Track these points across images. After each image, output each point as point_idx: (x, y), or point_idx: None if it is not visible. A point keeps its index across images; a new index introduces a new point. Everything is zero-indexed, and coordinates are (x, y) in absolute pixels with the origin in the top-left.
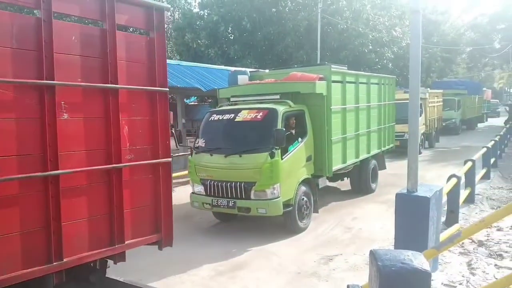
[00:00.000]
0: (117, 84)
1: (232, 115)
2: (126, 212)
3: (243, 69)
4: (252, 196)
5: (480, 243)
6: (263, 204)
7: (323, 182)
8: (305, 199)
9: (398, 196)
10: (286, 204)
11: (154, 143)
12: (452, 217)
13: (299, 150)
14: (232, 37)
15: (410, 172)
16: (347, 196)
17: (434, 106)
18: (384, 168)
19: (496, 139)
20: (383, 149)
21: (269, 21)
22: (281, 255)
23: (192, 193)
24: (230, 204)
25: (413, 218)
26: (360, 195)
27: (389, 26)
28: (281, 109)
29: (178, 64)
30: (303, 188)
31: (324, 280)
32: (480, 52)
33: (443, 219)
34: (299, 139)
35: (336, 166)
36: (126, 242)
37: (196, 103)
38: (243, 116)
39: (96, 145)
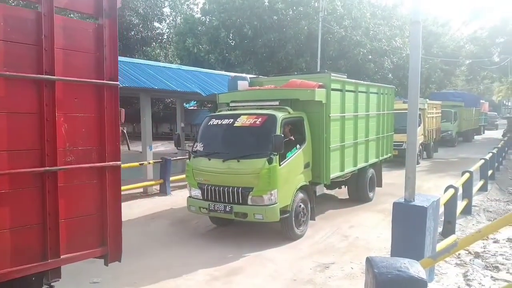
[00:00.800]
0: (54, 75)
1: (231, 120)
2: (62, 222)
3: (243, 75)
4: (249, 202)
5: (477, 255)
6: (260, 210)
7: (320, 190)
8: (302, 206)
9: (396, 205)
10: (283, 211)
11: (100, 144)
12: (449, 228)
13: (297, 157)
14: (233, 43)
15: (408, 182)
16: (344, 204)
17: (432, 117)
18: (380, 185)
19: (494, 151)
20: (381, 158)
21: (270, 28)
22: (277, 261)
23: (189, 197)
24: (227, 209)
25: (410, 227)
26: (357, 204)
27: (389, 36)
28: (280, 115)
29: (179, 68)
30: (300, 195)
31: None
32: (479, 65)
33: (439, 229)
34: (298, 146)
35: (334, 174)
36: (61, 257)
37: (195, 107)
38: (242, 121)
39: (25, 144)
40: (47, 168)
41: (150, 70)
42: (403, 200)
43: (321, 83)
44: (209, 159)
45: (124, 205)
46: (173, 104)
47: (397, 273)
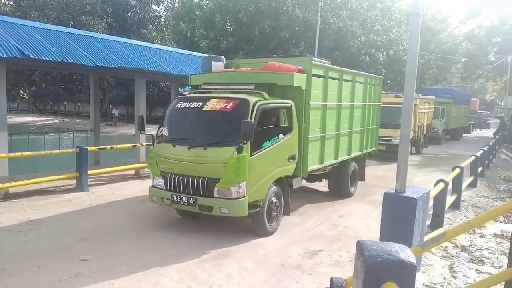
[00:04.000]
0: None
1: (200, 103)
2: None
3: (219, 56)
4: (215, 194)
5: (463, 248)
6: (226, 203)
7: (297, 183)
8: (275, 200)
9: (386, 196)
10: (253, 205)
11: None
12: (437, 221)
13: (278, 148)
14: (230, 29)
15: (399, 173)
16: (334, 196)
17: (424, 112)
18: (363, 179)
19: (485, 148)
20: (364, 152)
21: (265, 15)
22: (266, 247)
23: (152, 186)
24: (191, 201)
25: (399, 218)
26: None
27: (386, 28)
28: (253, 100)
29: (175, 52)
30: (273, 187)
31: (308, 274)
32: (475, 63)
33: (428, 222)
34: (280, 136)
35: (312, 166)
36: None
37: (190, 92)
38: (212, 105)
39: None
40: None
41: (146, 52)
42: (394, 191)
43: (301, 67)
44: (174, 146)
45: (116, 186)
46: (168, 88)
47: (387, 257)
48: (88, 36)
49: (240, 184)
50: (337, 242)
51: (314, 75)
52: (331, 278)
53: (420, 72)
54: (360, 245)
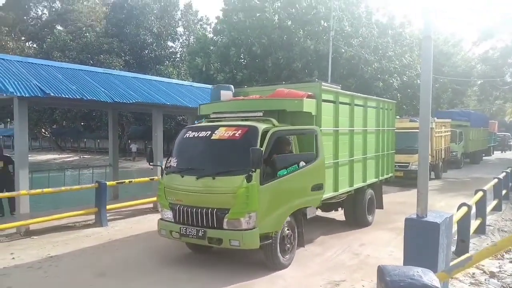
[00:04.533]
0: None
1: (209, 132)
2: None
3: (228, 85)
4: (224, 225)
5: (492, 274)
6: (236, 235)
7: (311, 212)
8: (288, 231)
9: (408, 221)
10: (265, 237)
11: None
12: (462, 247)
13: (297, 176)
14: (244, 62)
15: (420, 197)
16: (352, 226)
17: (441, 136)
18: (381, 207)
19: (508, 170)
20: (381, 178)
21: (279, 47)
22: (286, 278)
23: (160, 219)
24: (199, 234)
25: (422, 243)
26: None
27: (399, 53)
28: (262, 127)
29: (191, 85)
30: (287, 218)
31: None
32: (491, 84)
33: (453, 248)
34: (301, 164)
35: (326, 194)
36: None
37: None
38: (220, 133)
39: None
40: None
41: (162, 86)
42: (415, 216)
43: (310, 93)
44: (182, 176)
45: (135, 220)
46: (185, 121)
47: (410, 281)
48: (106, 73)
49: (251, 215)
50: (359, 272)
51: (324, 100)
52: None
53: (435, 96)
54: (381, 270)
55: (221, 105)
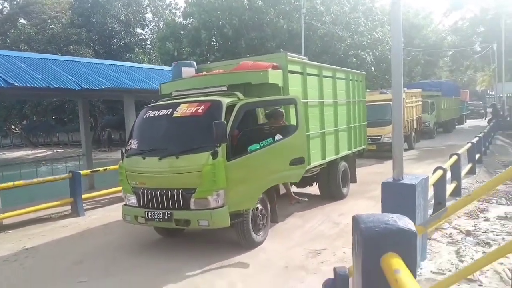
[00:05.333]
0: None
1: (170, 110)
2: None
3: (189, 61)
4: (192, 206)
5: (468, 233)
6: (204, 214)
7: (284, 187)
8: (260, 207)
9: (384, 185)
10: (236, 214)
11: None
12: (439, 209)
13: (271, 151)
14: (216, 45)
15: (396, 161)
16: (330, 198)
17: (412, 106)
18: (355, 181)
19: (481, 135)
20: (354, 150)
21: (250, 28)
22: (268, 251)
23: (124, 205)
24: (166, 216)
25: (399, 205)
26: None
27: (370, 28)
28: (226, 101)
29: (162, 69)
30: (260, 195)
31: (312, 273)
32: (462, 54)
33: (430, 211)
34: (277, 137)
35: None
36: None
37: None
38: (182, 110)
39: None
40: None
41: (133, 72)
42: (392, 180)
43: (276, 64)
44: (144, 158)
45: (113, 207)
46: None
47: (384, 226)
48: (73, 61)
49: (219, 192)
50: (339, 240)
51: (291, 72)
52: (334, 269)
53: (407, 70)
54: (356, 219)
55: (183, 82)
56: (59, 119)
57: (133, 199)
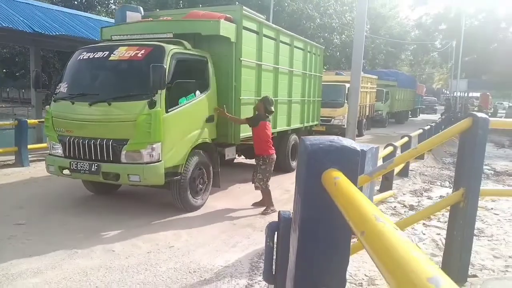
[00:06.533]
0: None
1: (106, 52)
2: None
3: (136, 6)
4: (122, 159)
5: (411, 207)
6: (136, 169)
7: (230, 153)
8: (200, 170)
9: None
10: (172, 172)
11: None
12: (386, 184)
13: (195, 106)
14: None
15: (349, 128)
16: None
17: (366, 92)
18: None
19: (432, 124)
20: (306, 124)
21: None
22: (217, 210)
23: (49, 154)
24: (92, 169)
25: None
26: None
27: (339, 11)
28: (170, 48)
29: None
30: (199, 155)
31: (259, 230)
32: (423, 49)
33: (377, 187)
34: (197, 93)
35: (245, 133)
36: None
37: None
38: (120, 54)
39: None
40: None
41: (91, 23)
42: None
43: (229, 16)
44: (73, 103)
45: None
46: None
47: (329, 143)
48: (27, 3)
49: (154, 146)
50: (289, 204)
51: (246, 29)
52: (279, 212)
53: (371, 56)
54: (303, 140)
55: (126, 27)
56: (10, 72)
57: (58, 149)
